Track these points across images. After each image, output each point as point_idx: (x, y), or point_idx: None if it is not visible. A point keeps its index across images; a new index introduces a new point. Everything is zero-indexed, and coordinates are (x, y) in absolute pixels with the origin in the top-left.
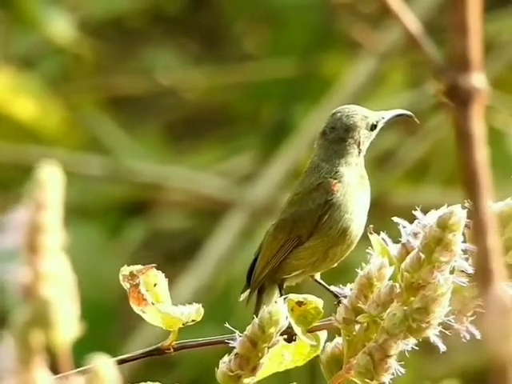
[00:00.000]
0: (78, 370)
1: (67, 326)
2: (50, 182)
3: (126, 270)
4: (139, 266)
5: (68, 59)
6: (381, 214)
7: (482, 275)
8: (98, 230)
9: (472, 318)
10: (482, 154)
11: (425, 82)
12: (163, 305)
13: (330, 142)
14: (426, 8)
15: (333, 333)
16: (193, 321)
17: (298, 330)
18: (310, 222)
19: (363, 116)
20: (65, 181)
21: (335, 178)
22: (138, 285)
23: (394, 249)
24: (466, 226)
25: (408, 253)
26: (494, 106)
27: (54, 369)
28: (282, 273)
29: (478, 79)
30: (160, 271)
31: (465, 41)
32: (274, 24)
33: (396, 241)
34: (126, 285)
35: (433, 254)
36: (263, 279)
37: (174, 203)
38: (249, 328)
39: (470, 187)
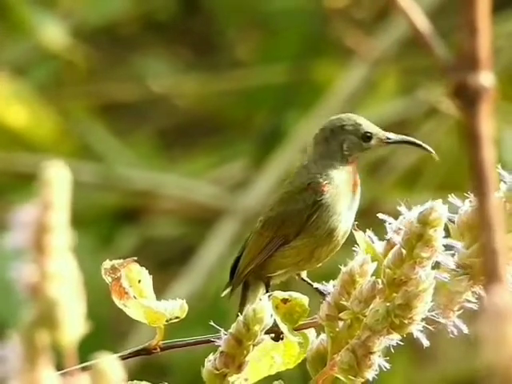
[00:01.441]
0: (83, 366)
1: (73, 325)
2: (58, 182)
3: (107, 263)
4: (121, 260)
5: (60, 66)
6: (373, 221)
7: (489, 273)
8: (91, 237)
9: (459, 313)
10: (489, 152)
11: (417, 88)
12: (146, 299)
13: (316, 142)
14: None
15: (319, 330)
16: (177, 318)
17: (284, 327)
18: (297, 222)
19: (355, 123)
20: (70, 185)
21: (325, 180)
22: (119, 278)
23: (380, 246)
24: (451, 221)
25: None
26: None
27: (60, 368)
28: (266, 271)
29: (486, 78)
30: (152, 278)
31: (474, 40)
32: (265, 31)
33: (382, 238)
34: (107, 278)
35: (414, 249)
36: (247, 275)
37: (166, 210)
38: (233, 326)
39: (477, 185)
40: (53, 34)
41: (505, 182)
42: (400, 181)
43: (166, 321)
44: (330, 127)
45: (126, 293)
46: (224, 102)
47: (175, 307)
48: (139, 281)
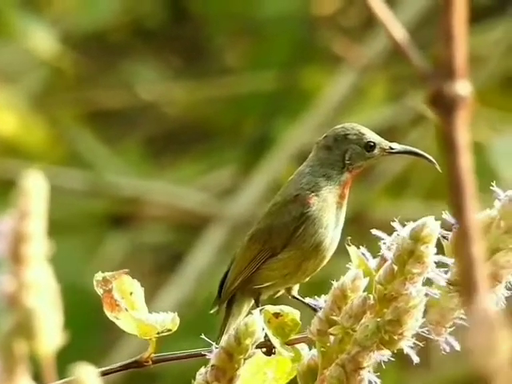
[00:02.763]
0: (64, 381)
1: (51, 335)
2: (35, 191)
3: (99, 275)
4: (112, 272)
5: (49, 73)
6: (361, 229)
7: (467, 285)
8: (80, 244)
9: (451, 330)
10: (466, 161)
11: (405, 95)
12: (137, 312)
13: (318, 149)
14: (410, 19)
15: (311, 345)
16: (168, 330)
17: (275, 341)
18: (284, 234)
19: (359, 132)
20: (47, 194)
21: (313, 191)
22: (111, 290)
23: (373, 262)
24: (444, 237)
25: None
26: (475, 120)
27: (38, 378)
28: (253, 284)
29: (463, 87)
30: (141, 285)
31: (450, 49)
32: (254, 37)
33: (376, 255)
34: (99, 290)
35: (405, 265)
36: (235, 289)
37: (154, 217)
38: (225, 339)
39: (454, 194)
40: (42, 40)
41: (499, 200)
42: (388, 188)
43: (158, 333)
44: (333, 136)
45: (118, 305)
46: (213, 109)
47: (166, 320)
48: (131, 293)
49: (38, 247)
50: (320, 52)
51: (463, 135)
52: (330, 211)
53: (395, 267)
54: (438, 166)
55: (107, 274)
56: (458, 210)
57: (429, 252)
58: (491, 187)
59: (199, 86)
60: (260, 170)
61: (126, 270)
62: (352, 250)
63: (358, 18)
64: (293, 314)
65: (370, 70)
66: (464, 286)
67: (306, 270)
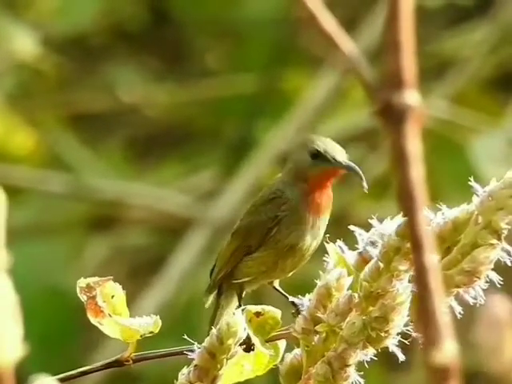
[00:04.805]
0: None
1: (9, 347)
2: None
3: (83, 282)
4: (96, 278)
5: (30, 76)
6: (342, 230)
7: (421, 292)
8: (62, 247)
9: None
10: (417, 171)
11: None
12: (121, 317)
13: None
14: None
15: (291, 343)
16: (151, 332)
17: (256, 340)
18: (259, 234)
19: (311, 141)
20: (6, 204)
21: (286, 196)
22: (95, 297)
23: (351, 257)
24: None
25: (365, 261)
26: (455, 121)
27: None
28: (234, 278)
29: (411, 97)
30: (122, 287)
31: (398, 59)
32: (235, 40)
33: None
34: (83, 297)
35: (391, 262)
36: (218, 282)
37: (136, 220)
38: (207, 339)
39: (405, 205)
40: (23, 43)
41: (477, 195)
42: (370, 190)
43: (140, 336)
44: (293, 148)
45: (102, 311)
46: (194, 111)
47: (149, 323)
48: (113, 296)
49: None
50: (301, 54)
51: (413, 145)
52: (303, 217)
53: (381, 264)
54: (365, 185)
55: (91, 281)
56: (410, 220)
57: None
58: (469, 183)
59: (180, 88)
60: (241, 173)
61: (110, 278)
62: (330, 247)
63: (339, 19)
64: (274, 312)
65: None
66: (418, 292)
67: (285, 268)
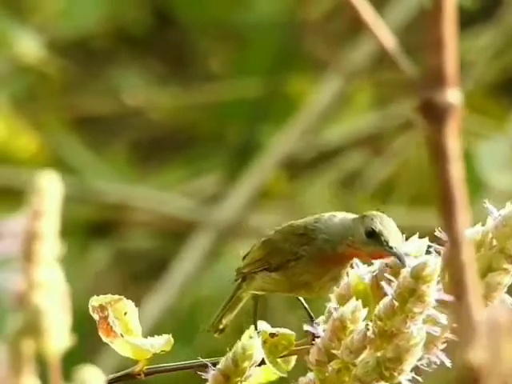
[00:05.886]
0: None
1: (59, 335)
2: (49, 190)
3: (95, 300)
4: (109, 297)
5: (35, 79)
6: None
7: (458, 294)
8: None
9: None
10: (457, 170)
11: (390, 102)
12: (132, 336)
13: (349, 220)
14: (397, 25)
15: (303, 359)
16: (162, 351)
17: (268, 360)
18: (280, 259)
19: (373, 218)
20: (61, 194)
21: (314, 238)
22: (107, 317)
23: (365, 273)
24: (437, 252)
25: (379, 286)
26: (462, 127)
27: (44, 379)
28: (254, 282)
29: (452, 95)
30: (125, 291)
31: (440, 57)
32: (239, 43)
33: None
34: (95, 316)
35: (406, 304)
36: (242, 274)
37: (140, 223)
38: (222, 361)
39: (444, 204)
40: (27, 47)
41: (492, 217)
42: (374, 194)
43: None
44: (361, 215)
45: (114, 331)
46: (198, 115)
47: (161, 342)
48: (125, 313)
49: (50, 247)
50: (305, 58)
51: (453, 144)
52: (321, 265)
53: (396, 303)
54: (407, 267)
55: (103, 300)
56: (448, 220)
57: (430, 291)
58: (483, 202)
59: (184, 92)
60: (245, 177)
61: (121, 297)
62: (351, 270)
63: (344, 23)
64: (289, 335)
65: (355, 76)
66: (455, 298)
67: (298, 294)
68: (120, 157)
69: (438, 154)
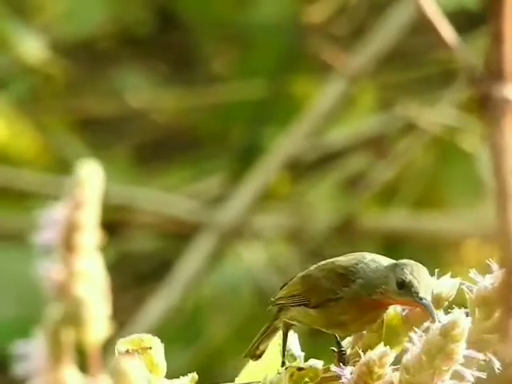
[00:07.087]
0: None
1: (98, 325)
2: (90, 181)
3: (121, 344)
4: (136, 337)
5: (38, 80)
6: (349, 237)
7: (507, 293)
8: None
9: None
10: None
11: (394, 104)
12: (156, 374)
13: (383, 266)
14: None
15: None
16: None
17: None
18: (319, 298)
19: (405, 269)
20: (102, 185)
21: (353, 280)
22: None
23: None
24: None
25: (409, 321)
26: (463, 128)
27: (83, 368)
28: (289, 315)
29: (510, 90)
30: (129, 292)
31: (500, 51)
32: (243, 45)
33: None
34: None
35: (434, 360)
36: (278, 305)
37: (143, 225)
38: None
39: (500, 200)
40: (31, 48)
41: None
42: (377, 197)
43: None
44: (393, 264)
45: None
46: (201, 117)
47: (186, 382)
48: (150, 348)
49: (90, 237)
50: (309, 60)
51: (510, 139)
52: (360, 309)
53: (424, 357)
54: (436, 319)
55: (130, 348)
56: (503, 213)
57: (459, 350)
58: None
59: (187, 93)
60: (248, 178)
61: (149, 347)
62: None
63: (348, 25)
64: (315, 368)
65: (359, 78)
66: (506, 291)
67: (332, 332)
68: (123, 158)
69: (493, 149)
